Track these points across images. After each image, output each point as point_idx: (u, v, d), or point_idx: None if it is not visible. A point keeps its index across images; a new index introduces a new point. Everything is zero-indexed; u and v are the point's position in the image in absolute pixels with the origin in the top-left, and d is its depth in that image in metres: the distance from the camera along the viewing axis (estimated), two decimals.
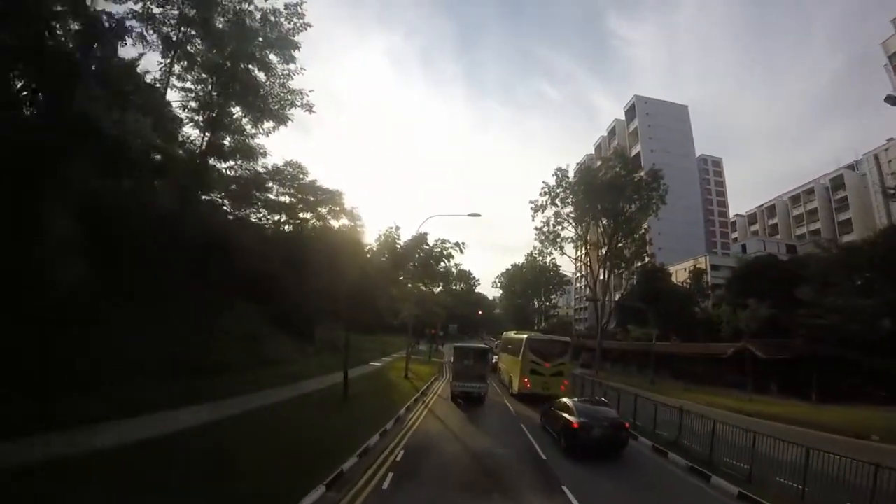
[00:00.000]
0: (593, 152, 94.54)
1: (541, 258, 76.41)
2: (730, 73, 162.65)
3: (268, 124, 23.16)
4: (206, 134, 22.56)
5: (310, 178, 32.32)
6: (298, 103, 22.74)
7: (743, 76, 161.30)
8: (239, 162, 25.20)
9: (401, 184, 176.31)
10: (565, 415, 12.36)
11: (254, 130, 23.07)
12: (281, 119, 23.24)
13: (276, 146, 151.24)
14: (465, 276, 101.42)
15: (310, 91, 23.11)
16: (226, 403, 12.41)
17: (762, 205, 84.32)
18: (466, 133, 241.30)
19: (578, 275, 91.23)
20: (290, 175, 32.49)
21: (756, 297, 34.43)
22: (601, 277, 47.73)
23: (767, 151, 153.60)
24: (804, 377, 26.77)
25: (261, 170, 27.11)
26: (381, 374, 24.19)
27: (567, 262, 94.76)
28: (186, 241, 18.74)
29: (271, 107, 22.61)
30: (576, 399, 13.58)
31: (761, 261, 43.59)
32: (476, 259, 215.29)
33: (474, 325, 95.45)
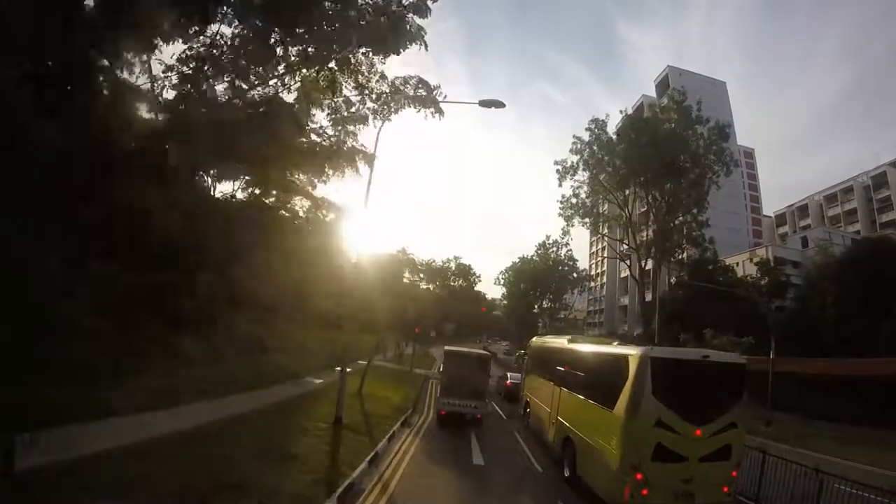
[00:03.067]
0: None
1: (554, 249, 64.84)
2: (736, 83, 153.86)
3: None
4: None
5: None
6: None
7: (749, 86, 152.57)
8: None
9: (402, 182, 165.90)
10: None
11: None
12: None
13: None
14: (465, 271, 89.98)
15: None
16: None
17: (792, 205, 75.18)
18: (470, 133, 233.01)
19: (598, 270, 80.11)
20: None
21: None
22: (646, 265, 35.86)
23: (774, 161, 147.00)
24: None
25: None
26: (289, 412, 11.79)
27: (584, 255, 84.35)
28: None
29: None
30: None
31: (874, 242, 31.92)
32: (476, 261, 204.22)
33: (475, 326, 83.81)
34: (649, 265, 37.61)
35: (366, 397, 14.70)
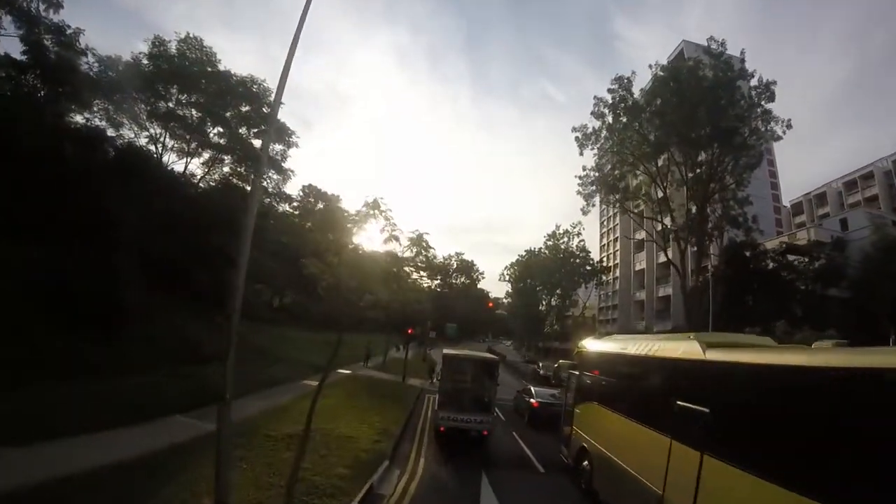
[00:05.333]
0: None
1: (565, 240, 59.36)
2: None
3: None
4: None
5: None
6: None
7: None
8: None
9: (403, 182, 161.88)
10: None
11: None
12: None
13: None
14: (467, 268, 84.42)
15: None
16: None
17: (809, 193, 70.13)
18: (471, 132, 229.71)
19: (611, 263, 74.45)
20: None
21: None
22: (685, 249, 30.19)
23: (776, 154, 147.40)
24: None
25: None
26: (134, 485, 5.58)
27: (593, 249, 78.58)
28: None
29: None
30: None
31: None
32: (477, 262, 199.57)
33: (478, 325, 78.25)
34: (670, 253, 32.39)
35: (316, 436, 8.97)
